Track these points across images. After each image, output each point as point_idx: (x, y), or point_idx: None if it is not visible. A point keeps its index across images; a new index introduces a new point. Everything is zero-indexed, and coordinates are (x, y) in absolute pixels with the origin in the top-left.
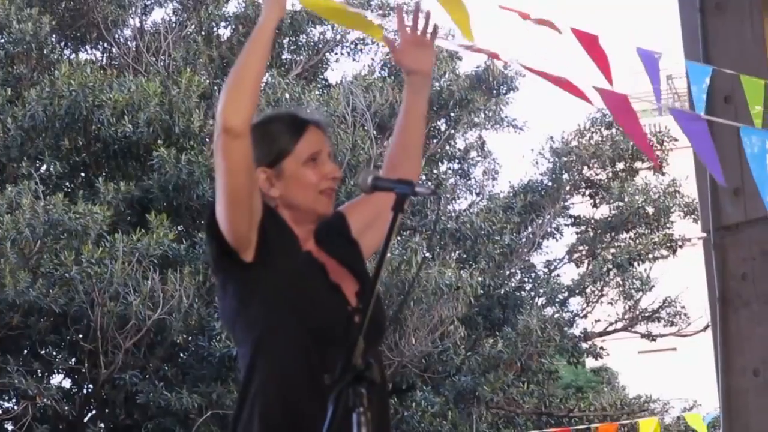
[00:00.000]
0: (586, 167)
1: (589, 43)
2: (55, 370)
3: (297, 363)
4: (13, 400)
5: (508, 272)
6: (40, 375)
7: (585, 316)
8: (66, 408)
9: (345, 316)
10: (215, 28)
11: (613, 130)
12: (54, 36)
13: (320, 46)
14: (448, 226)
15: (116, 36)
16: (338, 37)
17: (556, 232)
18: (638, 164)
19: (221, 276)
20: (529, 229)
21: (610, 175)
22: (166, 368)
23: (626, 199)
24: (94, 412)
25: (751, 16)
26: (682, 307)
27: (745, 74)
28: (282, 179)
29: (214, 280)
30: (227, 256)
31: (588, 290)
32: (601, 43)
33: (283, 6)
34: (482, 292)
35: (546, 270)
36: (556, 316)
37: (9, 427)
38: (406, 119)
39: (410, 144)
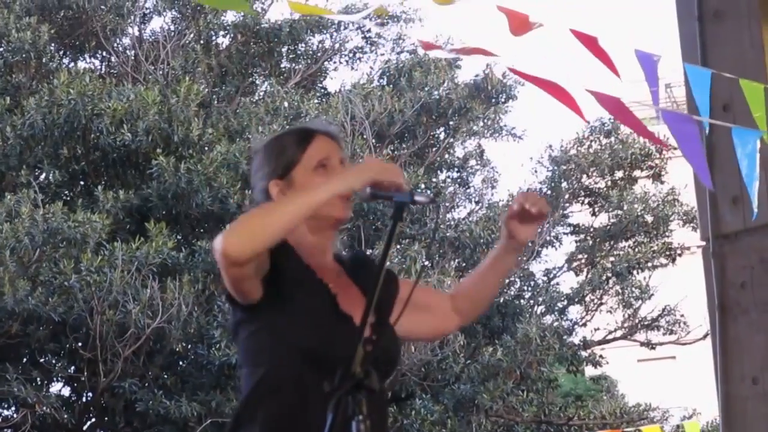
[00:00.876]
0: (585, 176)
1: (590, 44)
2: (55, 379)
3: (298, 399)
4: (13, 408)
5: (507, 281)
6: (39, 383)
7: (584, 325)
8: (65, 416)
9: (354, 348)
10: (214, 37)
11: (612, 139)
12: (53, 45)
13: (319, 54)
14: (447, 234)
15: (115, 45)
16: (337, 45)
17: (555, 240)
18: (637, 173)
19: (231, 305)
20: None
21: (609, 183)
22: (166, 376)
23: (625, 208)
24: (93, 420)
25: (750, 24)
26: (682, 316)
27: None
28: (293, 189)
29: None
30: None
31: (587, 298)
32: (602, 45)
33: (354, 189)
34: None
35: (545, 278)
36: (556, 324)
37: None
38: (488, 275)
39: (482, 299)
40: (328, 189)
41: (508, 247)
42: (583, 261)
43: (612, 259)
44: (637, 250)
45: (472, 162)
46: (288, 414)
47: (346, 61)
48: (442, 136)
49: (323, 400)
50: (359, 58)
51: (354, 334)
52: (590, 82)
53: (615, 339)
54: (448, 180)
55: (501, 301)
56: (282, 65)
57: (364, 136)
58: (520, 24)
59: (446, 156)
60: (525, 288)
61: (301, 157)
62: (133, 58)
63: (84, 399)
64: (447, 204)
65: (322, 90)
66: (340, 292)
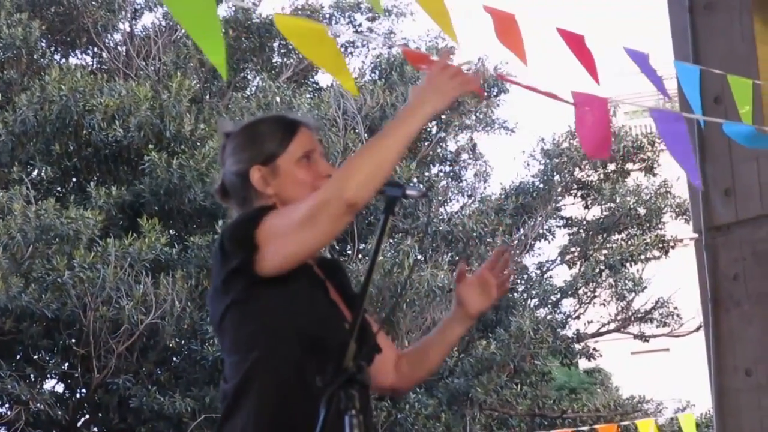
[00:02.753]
0: (577, 169)
1: (576, 43)
2: (48, 375)
3: (295, 380)
4: (6, 405)
5: None
6: (33, 380)
7: (578, 318)
8: (59, 413)
9: (343, 332)
10: None
11: None
12: (44, 41)
13: None
14: (440, 228)
15: (106, 41)
16: None
17: (548, 233)
18: (629, 165)
19: (225, 283)
20: (521, 231)
21: (602, 176)
22: (159, 372)
23: (618, 201)
24: (87, 416)
25: (741, 16)
26: (675, 308)
27: (735, 74)
28: (277, 177)
29: (214, 281)
30: (243, 272)
31: (580, 291)
32: (588, 44)
33: (448, 102)
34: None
35: (538, 271)
36: (549, 317)
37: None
38: (433, 344)
39: (421, 365)
40: (420, 115)
41: (456, 317)
42: (576, 254)
43: (605, 251)
44: (630, 242)
45: (465, 156)
46: (285, 397)
47: None
48: (434, 130)
49: (314, 385)
50: (351, 53)
51: (342, 320)
52: (576, 79)
53: (608, 332)
54: (441, 174)
55: None
56: (274, 60)
57: (356, 131)
58: (506, 25)
59: (438, 150)
60: (518, 281)
61: (287, 147)
62: (124, 53)
63: (78, 395)
64: (439, 198)
65: (314, 85)
66: (326, 281)
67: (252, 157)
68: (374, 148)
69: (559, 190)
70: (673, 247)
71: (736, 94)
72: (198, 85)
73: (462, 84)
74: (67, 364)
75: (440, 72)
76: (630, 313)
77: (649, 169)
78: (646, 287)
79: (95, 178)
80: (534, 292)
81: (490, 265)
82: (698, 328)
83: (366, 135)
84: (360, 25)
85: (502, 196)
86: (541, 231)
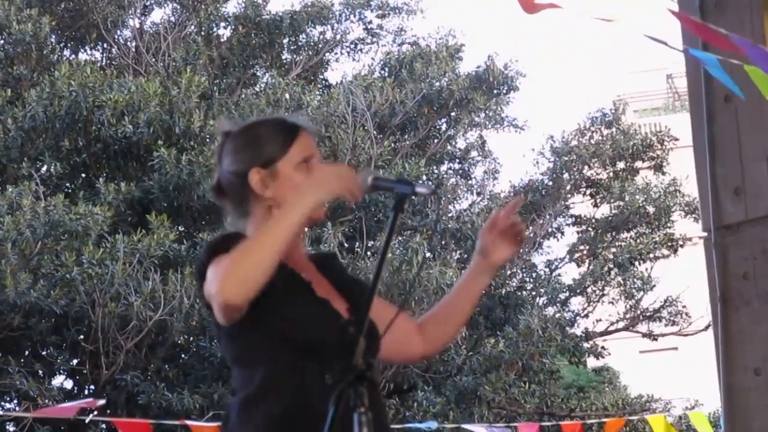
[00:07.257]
0: (586, 167)
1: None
2: (57, 371)
3: (303, 392)
4: (15, 401)
5: (509, 272)
6: (41, 376)
7: (586, 316)
8: None
9: (338, 329)
10: (215, 29)
11: (614, 130)
12: (54, 37)
13: (320, 46)
14: (449, 226)
15: (116, 36)
16: (338, 37)
17: (557, 231)
18: (639, 164)
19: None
20: (530, 229)
21: (611, 174)
22: (168, 369)
23: (627, 199)
24: (95, 412)
25: (752, 16)
26: (684, 307)
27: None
28: (276, 181)
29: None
30: None
31: (589, 290)
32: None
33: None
34: (483, 292)
35: (547, 270)
36: (558, 315)
37: (10, 428)
38: (458, 299)
39: (450, 324)
40: (302, 210)
41: (480, 268)
42: (584, 252)
43: (614, 250)
44: (638, 241)
45: (474, 153)
46: (289, 408)
47: (348, 53)
48: (443, 127)
49: (323, 388)
50: (360, 50)
51: (335, 316)
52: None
53: (617, 330)
54: (450, 171)
55: (503, 292)
56: (283, 57)
57: (366, 128)
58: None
59: (448, 147)
60: (527, 279)
61: (288, 151)
62: (134, 49)
63: (86, 392)
64: (449, 195)
65: (324, 81)
66: (313, 280)
67: (252, 158)
68: (252, 247)
69: (568, 188)
70: (682, 246)
71: (760, 85)
72: (207, 82)
73: (346, 185)
74: (75, 360)
75: (328, 169)
76: (638, 312)
77: (659, 168)
78: (654, 286)
79: (104, 174)
80: (542, 290)
81: (507, 215)
82: (707, 327)
83: (375, 132)
84: (370, 22)
85: (511, 194)
86: (549, 229)
